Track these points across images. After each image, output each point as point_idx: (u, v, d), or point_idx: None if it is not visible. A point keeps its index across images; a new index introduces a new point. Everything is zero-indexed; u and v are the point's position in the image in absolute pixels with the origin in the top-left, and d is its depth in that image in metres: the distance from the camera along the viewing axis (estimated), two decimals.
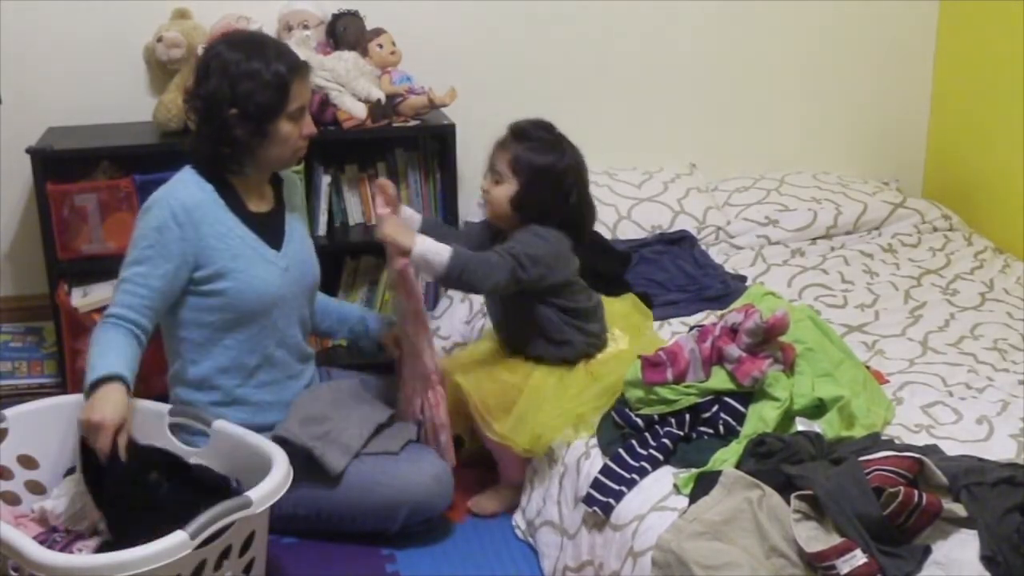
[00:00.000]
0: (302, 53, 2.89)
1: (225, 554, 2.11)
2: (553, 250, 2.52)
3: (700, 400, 2.29)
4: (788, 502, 1.93)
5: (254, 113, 2.40)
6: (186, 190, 2.43)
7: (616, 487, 2.22)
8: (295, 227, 2.62)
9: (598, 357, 2.61)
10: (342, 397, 2.62)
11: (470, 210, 3.38)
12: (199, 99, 2.44)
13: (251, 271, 2.47)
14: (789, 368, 2.32)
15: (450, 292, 3.17)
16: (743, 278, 3.20)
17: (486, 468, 2.75)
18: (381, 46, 3.24)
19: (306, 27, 3.17)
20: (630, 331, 2.71)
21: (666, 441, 2.26)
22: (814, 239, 3.49)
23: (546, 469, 2.56)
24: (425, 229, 2.60)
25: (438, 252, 2.41)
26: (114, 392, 2.21)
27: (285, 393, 2.58)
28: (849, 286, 3.18)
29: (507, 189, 2.54)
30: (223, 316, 2.46)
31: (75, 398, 2.55)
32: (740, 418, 2.26)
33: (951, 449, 2.18)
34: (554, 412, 2.49)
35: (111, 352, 2.28)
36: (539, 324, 2.59)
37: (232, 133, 2.41)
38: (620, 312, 2.77)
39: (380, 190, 2.61)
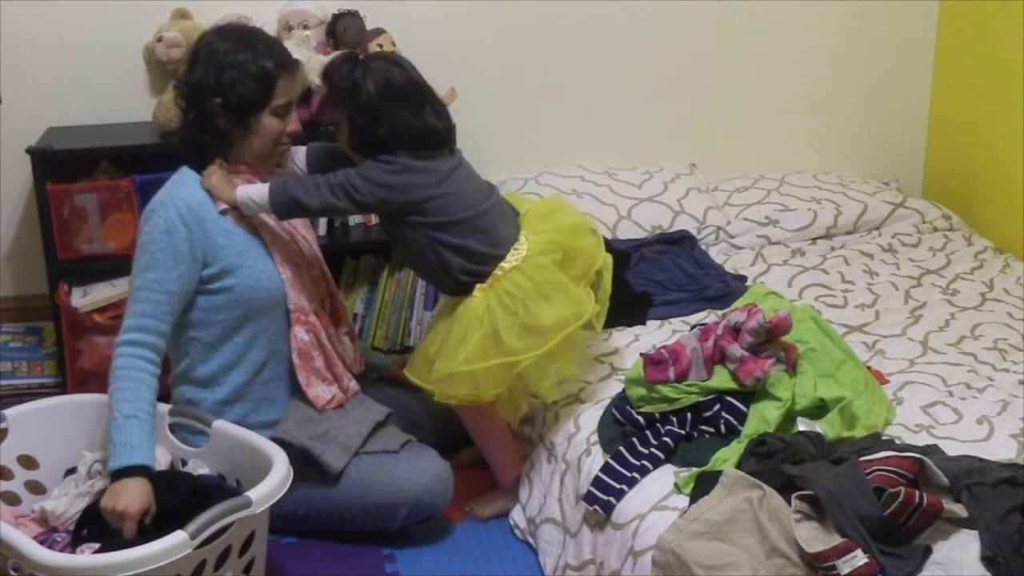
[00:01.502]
0: (302, 53, 2.89)
1: (225, 554, 2.11)
2: (398, 172, 2.42)
3: (702, 399, 2.29)
4: (789, 502, 1.93)
5: (236, 104, 2.41)
6: (187, 189, 2.43)
7: (617, 485, 2.21)
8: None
9: (496, 274, 2.46)
10: None
11: None
12: (186, 87, 2.45)
13: (258, 266, 2.47)
14: (791, 368, 2.32)
15: None
16: (743, 278, 3.20)
17: (486, 469, 2.74)
18: (381, 46, 3.24)
19: (306, 27, 3.17)
20: (542, 228, 2.53)
21: (667, 440, 2.25)
22: (814, 239, 3.49)
23: (545, 466, 2.56)
24: (312, 152, 2.63)
25: (259, 188, 2.43)
26: (138, 484, 2.18)
27: (290, 388, 2.57)
28: (849, 286, 3.17)
29: (343, 134, 2.49)
30: (233, 313, 2.46)
31: (75, 398, 2.56)
32: (741, 417, 2.26)
33: (951, 449, 2.18)
34: (455, 355, 2.44)
35: (134, 426, 2.22)
36: (412, 254, 2.53)
37: (214, 122, 2.42)
38: (536, 212, 2.59)
39: None
